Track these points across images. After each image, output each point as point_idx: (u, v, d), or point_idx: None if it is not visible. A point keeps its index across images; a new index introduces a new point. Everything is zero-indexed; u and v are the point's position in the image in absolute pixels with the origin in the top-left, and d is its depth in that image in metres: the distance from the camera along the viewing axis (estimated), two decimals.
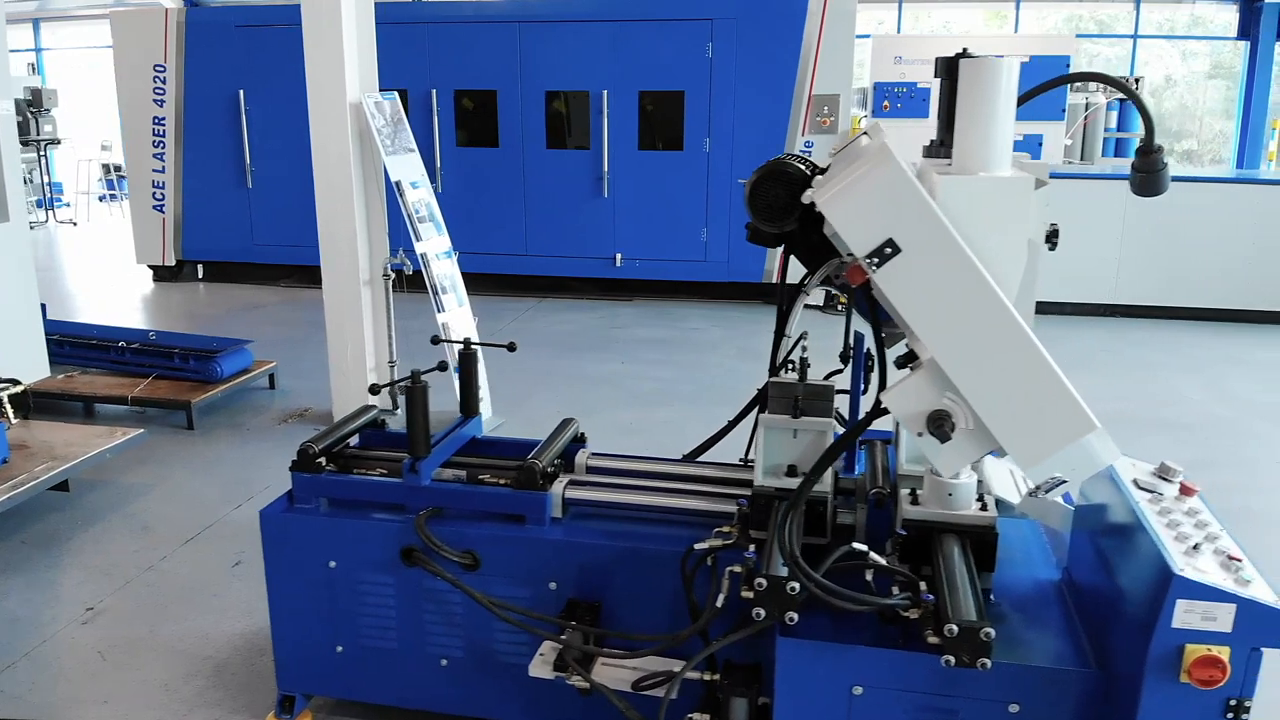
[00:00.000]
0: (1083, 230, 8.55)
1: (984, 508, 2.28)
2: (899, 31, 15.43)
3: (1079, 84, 13.73)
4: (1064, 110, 12.91)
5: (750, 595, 2.08)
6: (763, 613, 2.08)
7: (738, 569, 2.18)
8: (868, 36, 14.14)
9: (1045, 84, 2.34)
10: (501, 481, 2.83)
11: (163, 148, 9.75)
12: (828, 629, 2.18)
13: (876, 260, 1.71)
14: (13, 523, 4.41)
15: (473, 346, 3.13)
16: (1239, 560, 1.90)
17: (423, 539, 2.65)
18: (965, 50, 2.58)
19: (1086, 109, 13.69)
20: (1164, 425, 5.80)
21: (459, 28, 8.93)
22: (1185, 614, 1.80)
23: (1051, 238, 2.44)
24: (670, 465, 3.06)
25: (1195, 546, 1.90)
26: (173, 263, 10.11)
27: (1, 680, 3.29)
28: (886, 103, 13.37)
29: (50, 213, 14.95)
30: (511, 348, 3.26)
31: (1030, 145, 13.18)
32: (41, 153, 14.60)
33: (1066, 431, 1.71)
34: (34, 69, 17.23)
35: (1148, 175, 2.25)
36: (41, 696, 3.20)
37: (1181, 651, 1.82)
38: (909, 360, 1.84)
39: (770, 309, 4.90)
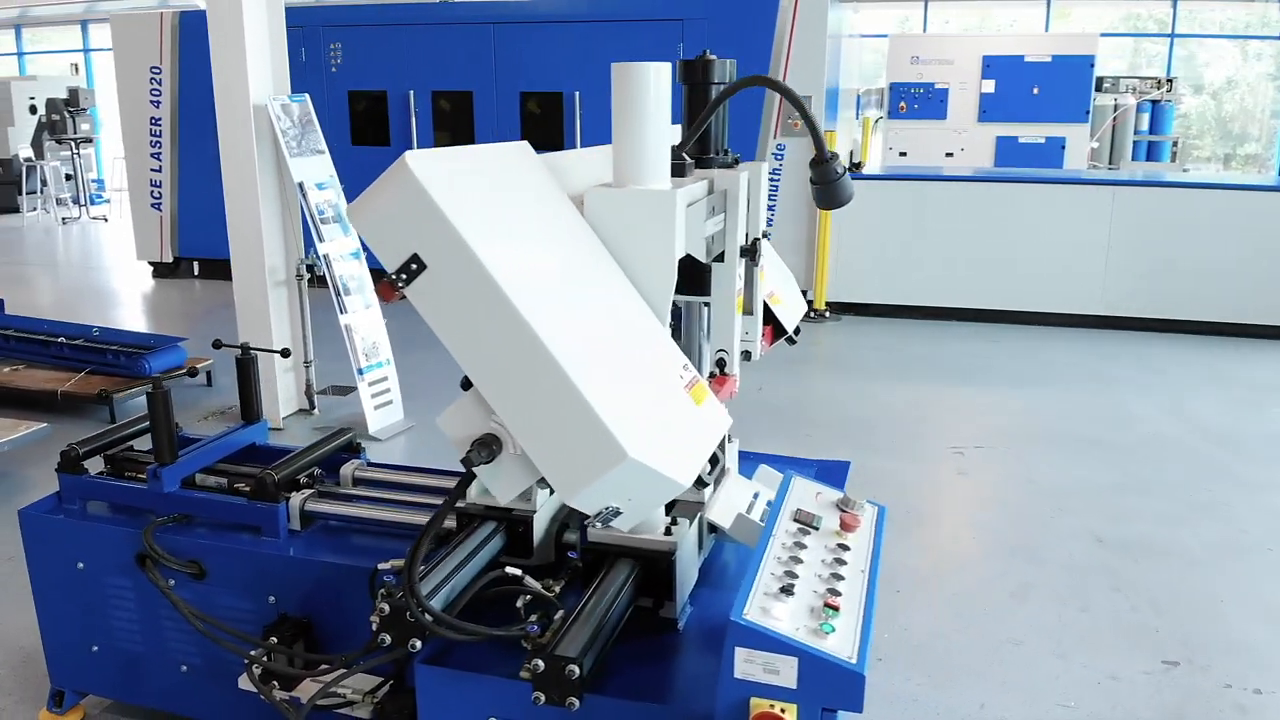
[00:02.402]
0: (1066, 237, 8.20)
1: (668, 533, 2.18)
2: (925, 30, 15.05)
3: (1107, 85, 13.16)
4: (1088, 112, 12.36)
5: (376, 621, 2.02)
6: (389, 638, 2.01)
7: (383, 591, 2.12)
8: (885, 36, 13.80)
9: (721, 95, 2.23)
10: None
11: (160, 147, 10.00)
12: (475, 657, 2.10)
13: (404, 277, 1.63)
14: None
15: (252, 351, 3.11)
16: (835, 608, 1.76)
17: (147, 546, 2.64)
18: (705, 53, 2.47)
19: (1115, 110, 13.12)
20: (1095, 444, 5.51)
21: (435, 30, 8.97)
22: (746, 664, 1.67)
23: (748, 252, 2.33)
24: (445, 479, 3.00)
25: (786, 589, 1.77)
26: (170, 259, 10.38)
27: None
28: (903, 104, 13.04)
29: (84, 209, 15.49)
30: (285, 354, 3.24)
31: (1053, 149, 12.65)
32: (76, 151, 15.14)
33: (598, 462, 1.60)
34: (77, 69, 17.89)
35: (824, 186, 2.13)
36: None
37: (747, 706, 1.70)
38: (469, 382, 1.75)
39: None
